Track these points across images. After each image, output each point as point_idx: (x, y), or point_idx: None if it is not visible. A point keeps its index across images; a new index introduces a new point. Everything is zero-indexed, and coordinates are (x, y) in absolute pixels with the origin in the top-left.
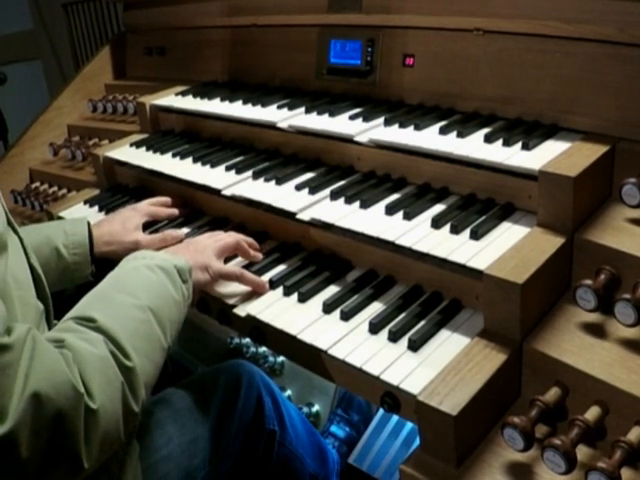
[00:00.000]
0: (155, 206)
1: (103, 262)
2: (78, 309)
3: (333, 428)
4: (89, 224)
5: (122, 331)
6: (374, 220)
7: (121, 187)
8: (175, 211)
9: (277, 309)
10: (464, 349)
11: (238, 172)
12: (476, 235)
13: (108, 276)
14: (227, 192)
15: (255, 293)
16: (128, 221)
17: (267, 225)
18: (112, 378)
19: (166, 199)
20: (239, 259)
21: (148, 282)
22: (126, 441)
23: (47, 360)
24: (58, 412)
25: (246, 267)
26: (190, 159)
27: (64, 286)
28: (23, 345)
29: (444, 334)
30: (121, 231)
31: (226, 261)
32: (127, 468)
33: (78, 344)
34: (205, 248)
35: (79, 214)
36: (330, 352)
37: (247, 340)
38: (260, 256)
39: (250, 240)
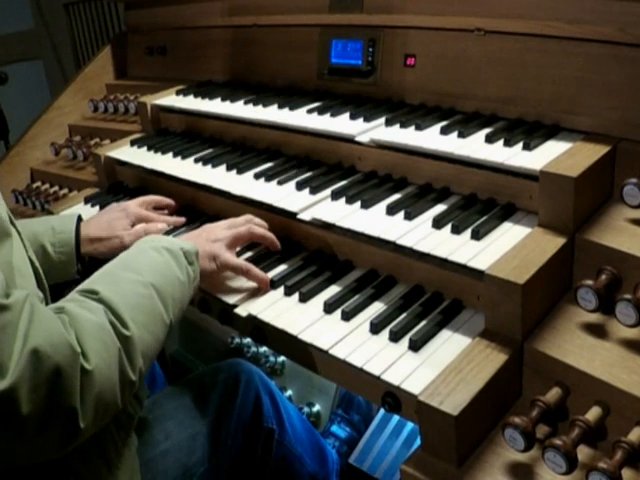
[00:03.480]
0: (147, 208)
1: (92, 260)
2: (84, 284)
3: (334, 428)
4: (79, 221)
5: (122, 303)
6: (375, 220)
7: (122, 187)
8: (167, 219)
9: (278, 309)
10: (465, 349)
11: (239, 172)
12: (477, 235)
13: (117, 257)
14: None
15: (257, 292)
16: (116, 222)
17: (268, 225)
18: (109, 344)
19: (159, 199)
20: (247, 254)
21: (153, 262)
22: (126, 432)
23: (45, 321)
24: (56, 368)
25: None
26: (191, 159)
27: (49, 283)
28: (22, 307)
29: (445, 334)
30: (106, 229)
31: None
32: (125, 459)
33: (77, 310)
34: (217, 238)
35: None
36: (331, 352)
37: (248, 340)
38: (279, 246)
39: (265, 224)
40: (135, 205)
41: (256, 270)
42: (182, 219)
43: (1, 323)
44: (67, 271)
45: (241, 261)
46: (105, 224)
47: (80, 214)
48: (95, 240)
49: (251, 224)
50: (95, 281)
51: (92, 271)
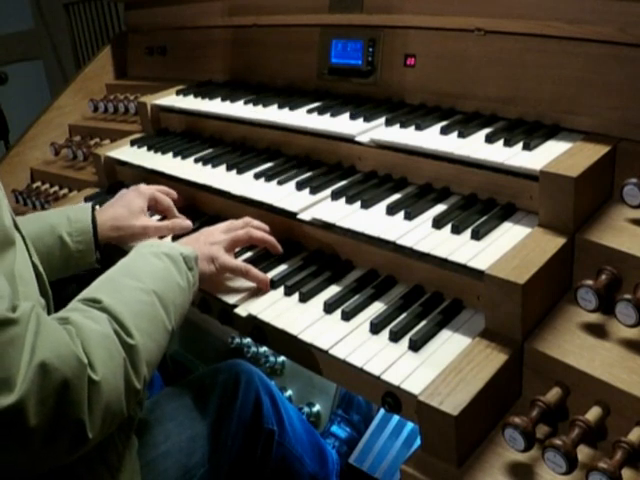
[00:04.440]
0: (158, 188)
1: (109, 248)
2: (86, 292)
3: (334, 428)
4: (93, 210)
5: (126, 311)
6: (375, 220)
7: (122, 187)
8: (173, 209)
9: (278, 309)
10: (465, 349)
11: (239, 172)
12: (477, 235)
13: (117, 263)
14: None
15: (257, 292)
16: (132, 203)
17: (268, 225)
18: (114, 354)
19: (166, 189)
20: (246, 255)
21: (154, 268)
22: (126, 435)
23: (51, 333)
24: (63, 381)
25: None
26: (191, 159)
27: (69, 273)
28: (28, 320)
29: (445, 334)
30: (127, 215)
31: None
32: (126, 462)
33: (82, 321)
34: (216, 240)
35: None
36: (331, 352)
37: (248, 340)
38: (280, 249)
39: (264, 226)
40: (146, 186)
41: (255, 271)
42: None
43: (9, 337)
44: (86, 260)
45: (240, 262)
46: (123, 209)
47: (93, 203)
48: (117, 227)
49: (250, 227)
50: (97, 289)
51: (110, 259)
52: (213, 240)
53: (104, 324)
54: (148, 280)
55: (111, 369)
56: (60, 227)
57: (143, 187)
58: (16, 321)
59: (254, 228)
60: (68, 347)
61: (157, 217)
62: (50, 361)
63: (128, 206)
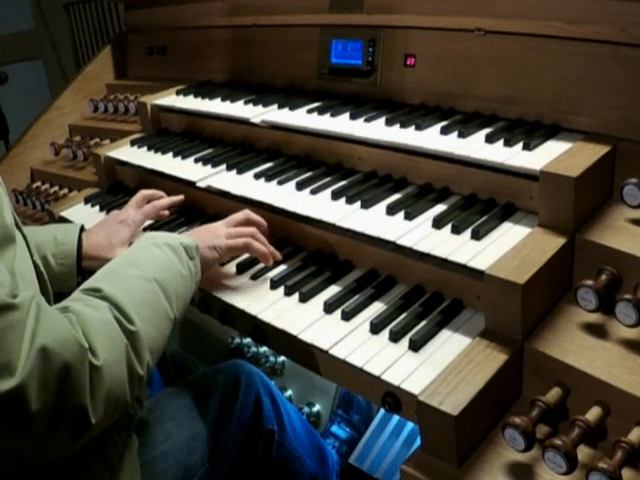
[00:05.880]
0: (145, 207)
1: (91, 274)
2: (87, 283)
3: (334, 428)
4: (81, 232)
5: (127, 299)
6: (375, 220)
7: (122, 187)
8: (166, 212)
9: (278, 309)
10: (465, 349)
11: (239, 172)
12: (477, 235)
13: (118, 256)
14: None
15: (257, 292)
16: (115, 235)
17: (268, 225)
18: (116, 340)
19: (151, 193)
20: (246, 254)
21: (155, 258)
22: (126, 434)
23: (52, 319)
24: (65, 365)
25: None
26: (191, 159)
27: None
28: (29, 307)
29: (445, 334)
30: (106, 247)
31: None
32: (126, 461)
33: (82, 309)
34: (218, 234)
35: (80, 214)
36: (331, 352)
37: (248, 340)
38: (278, 256)
39: (263, 222)
40: (134, 212)
41: (256, 244)
42: (181, 197)
43: (9, 322)
44: (67, 283)
45: (240, 240)
46: (105, 239)
47: (83, 225)
48: (94, 257)
49: (251, 239)
50: (98, 279)
51: None
52: (214, 230)
53: (104, 311)
54: (149, 269)
55: (113, 355)
56: (46, 247)
57: (129, 217)
58: (16, 306)
59: (254, 224)
60: (69, 332)
61: (151, 221)
62: (51, 346)
63: (110, 237)
